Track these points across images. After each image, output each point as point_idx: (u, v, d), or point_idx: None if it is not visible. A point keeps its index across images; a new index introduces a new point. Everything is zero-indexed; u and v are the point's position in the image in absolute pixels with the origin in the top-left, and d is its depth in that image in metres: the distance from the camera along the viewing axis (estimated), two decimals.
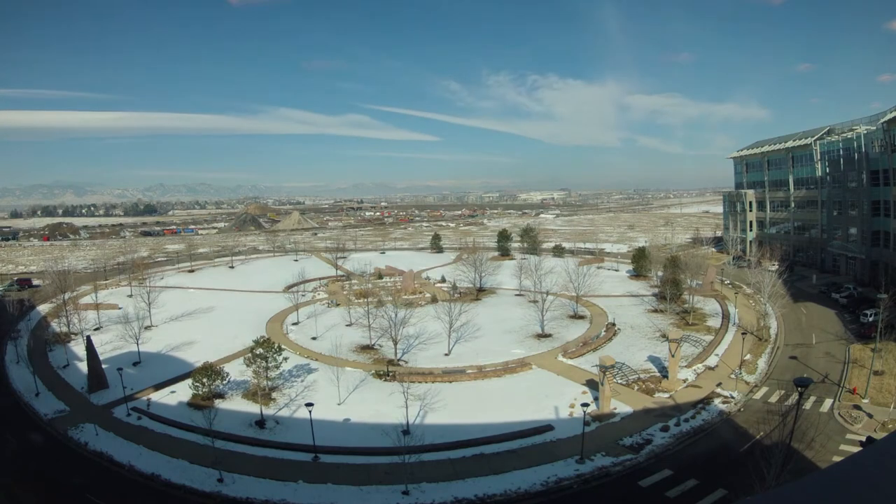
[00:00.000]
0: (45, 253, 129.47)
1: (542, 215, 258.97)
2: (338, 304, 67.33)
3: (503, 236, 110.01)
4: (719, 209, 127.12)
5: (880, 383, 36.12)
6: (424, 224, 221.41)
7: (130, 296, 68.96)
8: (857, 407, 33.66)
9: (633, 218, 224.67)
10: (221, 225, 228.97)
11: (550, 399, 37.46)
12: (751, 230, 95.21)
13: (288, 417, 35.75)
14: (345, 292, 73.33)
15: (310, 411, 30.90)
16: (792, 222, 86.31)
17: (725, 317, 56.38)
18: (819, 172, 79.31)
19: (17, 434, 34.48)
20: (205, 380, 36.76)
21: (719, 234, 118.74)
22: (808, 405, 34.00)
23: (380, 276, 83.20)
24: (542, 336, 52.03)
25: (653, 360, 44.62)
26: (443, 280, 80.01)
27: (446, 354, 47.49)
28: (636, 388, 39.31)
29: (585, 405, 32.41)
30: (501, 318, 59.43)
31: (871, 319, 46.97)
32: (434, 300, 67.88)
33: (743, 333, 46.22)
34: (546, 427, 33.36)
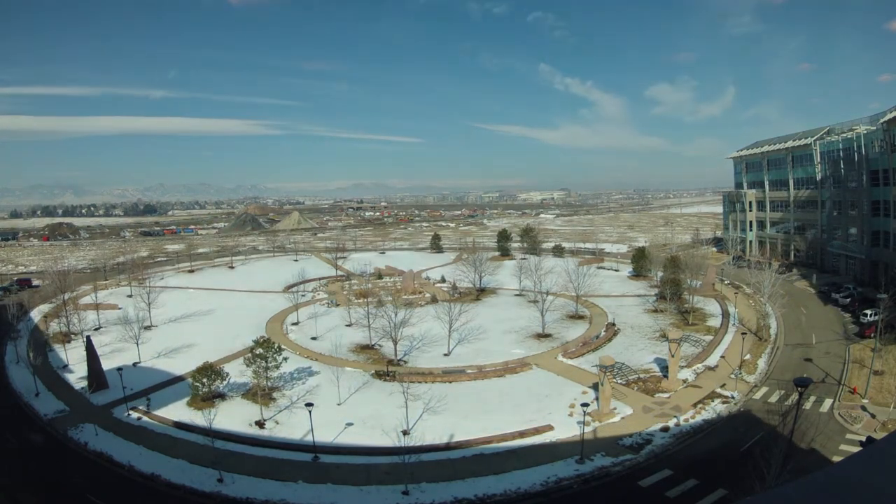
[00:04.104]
0: (45, 253, 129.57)
1: (541, 215, 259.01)
2: (338, 305, 67.34)
3: (503, 236, 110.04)
4: (717, 209, 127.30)
5: (880, 383, 36.12)
6: (424, 224, 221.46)
7: (130, 296, 68.95)
8: (863, 408, 33.63)
9: (632, 218, 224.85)
10: (221, 225, 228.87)
11: (550, 399, 37.46)
12: (751, 230, 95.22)
13: (288, 417, 35.72)
14: (345, 292, 73.37)
15: (310, 411, 30.89)
16: (792, 222, 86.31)
17: (725, 317, 56.36)
18: (819, 172, 79.33)
19: (17, 434, 34.48)
20: (205, 380, 36.73)
21: (719, 234, 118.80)
22: (808, 405, 34.00)
23: (380, 276, 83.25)
24: (542, 336, 52.03)
25: (653, 360, 44.62)
26: (443, 280, 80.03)
27: (446, 355, 47.49)
28: (636, 388, 39.31)
29: (585, 405, 32.42)
30: (501, 318, 59.45)
31: (871, 319, 47.00)
32: (434, 300, 67.91)
33: (743, 333, 46.22)
34: (546, 427, 33.36)
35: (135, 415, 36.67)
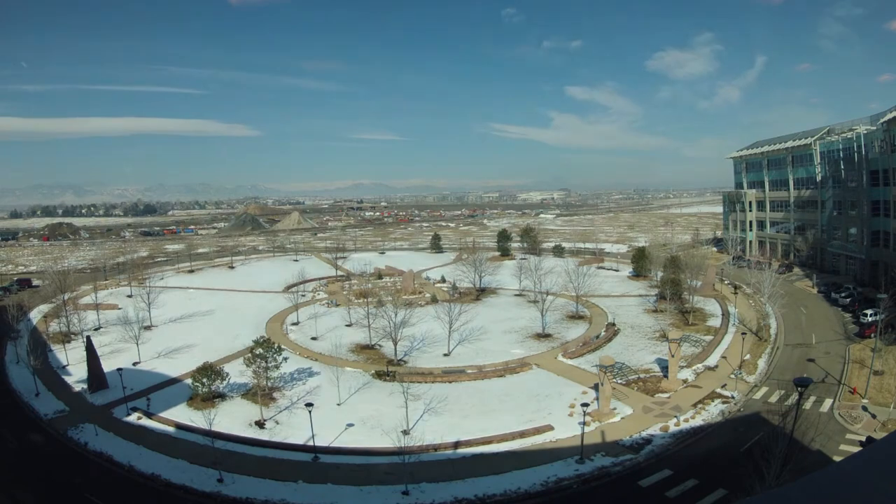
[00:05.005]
0: (45, 253, 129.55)
1: (541, 215, 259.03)
2: (338, 305, 67.34)
3: (503, 236, 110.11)
4: (717, 209, 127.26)
5: (880, 383, 36.13)
6: (424, 224, 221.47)
7: (130, 296, 68.95)
8: (863, 408, 33.62)
9: (632, 218, 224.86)
10: (221, 225, 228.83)
11: (550, 399, 37.47)
12: (751, 230, 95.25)
13: (288, 418, 35.73)
14: (345, 292, 73.40)
15: (310, 411, 30.91)
16: (792, 222, 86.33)
17: (725, 317, 56.39)
18: (819, 172, 79.34)
19: (17, 434, 34.44)
20: (205, 380, 36.76)
21: (719, 234, 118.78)
22: (808, 405, 33.99)
23: (380, 277, 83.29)
24: (543, 336, 52.04)
25: (653, 360, 44.61)
26: (443, 280, 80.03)
27: (446, 355, 47.49)
28: (636, 388, 39.32)
29: (585, 405, 32.42)
30: (501, 318, 59.45)
31: (871, 319, 46.99)
32: (434, 300, 67.89)
33: (743, 333, 46.26)
34: (546, 427, 33.37)
35: (135, 415, 36.65)
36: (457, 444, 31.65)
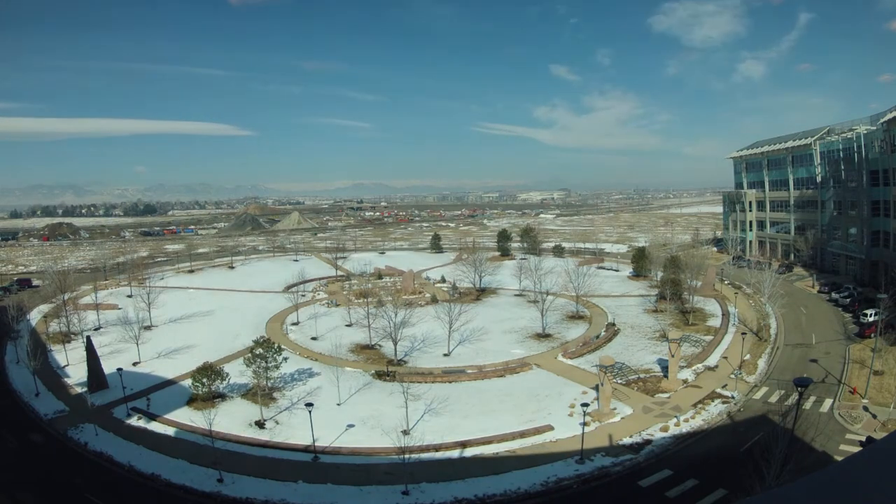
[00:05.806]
0: (45, 253, 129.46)
1: (541, 215, 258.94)
2: (338, 305, 67.32)
3: (503, 236, 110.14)
4: (717, 209, 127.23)
5: (880, 383, 36.13)
6: (424, 224, 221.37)
7: (130, 296, 68.89)
8: (864, 408, 33.60)
9: (632, 218, 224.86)
10: (221, 225, 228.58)
11: (550, 399, 37.46)
12: (751, 230, 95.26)
13: (288, 418, 35.72)
14: (345, 292, 73.37)
15: (310, 411, 30.90)
16: (792, 222, 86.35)
17: (725, 317, 56.38)
18: (819, 173, 79.35)
19: (17, 434, 34.45)
20: (205, 380, 36.74)
21: (719, 234, 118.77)
22: (808, 405, 33.99)
23: (380, 277, 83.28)
24: (543, 336, 52.03)
25: (653, 360, 44.60)
26: (443, 280, 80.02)
27: (446, 355, 47.49)
28: (636, 388, 39.31)
29: (585, 405, 32.39)
30: (501, 318, 59.44)
31: (871, 319, 47.00)
32: (434, 300, 67.87)
33: (743, 333, 46.26)
34: (546, 427, 33.37)
35: (135, 415, 36.66)
36: (457, 445, 31.63)
